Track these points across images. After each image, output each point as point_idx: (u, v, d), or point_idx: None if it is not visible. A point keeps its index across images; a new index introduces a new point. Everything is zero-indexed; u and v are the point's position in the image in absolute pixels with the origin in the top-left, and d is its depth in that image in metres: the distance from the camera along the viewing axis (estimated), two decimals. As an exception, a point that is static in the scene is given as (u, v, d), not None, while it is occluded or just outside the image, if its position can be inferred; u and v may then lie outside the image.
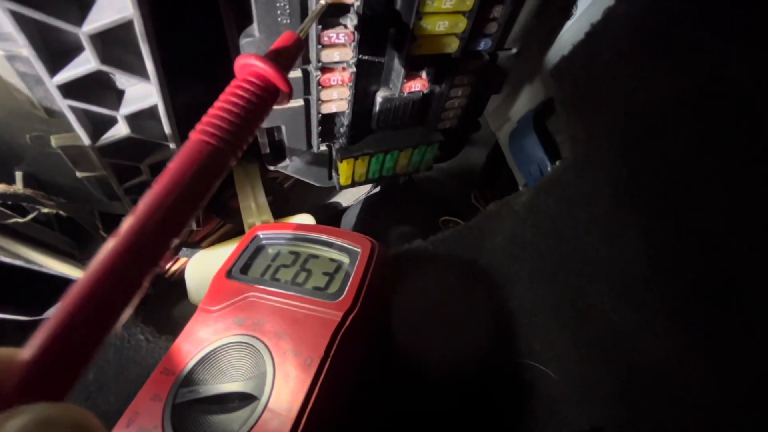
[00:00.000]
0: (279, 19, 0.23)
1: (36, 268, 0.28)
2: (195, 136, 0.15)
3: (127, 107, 0.23)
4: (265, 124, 0.30)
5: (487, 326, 0.29)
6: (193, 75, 0.26)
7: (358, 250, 0.27)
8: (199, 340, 0.23)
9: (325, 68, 0.26)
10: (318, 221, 0.41)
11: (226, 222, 0.42)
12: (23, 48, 0.19)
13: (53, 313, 0.11)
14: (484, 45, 0.29)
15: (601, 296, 0.25)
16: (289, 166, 0.34)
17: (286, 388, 0.20)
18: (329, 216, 0.50)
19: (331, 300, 0.24)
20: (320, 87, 0.27)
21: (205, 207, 0.39)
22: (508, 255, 0.31)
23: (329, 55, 0.25)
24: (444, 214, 0.45)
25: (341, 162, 0.32)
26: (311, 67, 0.26)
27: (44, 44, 0.19)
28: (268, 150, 0.32)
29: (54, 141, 0.24)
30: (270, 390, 0.20)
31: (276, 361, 0.21)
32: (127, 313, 0.12)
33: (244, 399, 0.21)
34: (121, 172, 0.27)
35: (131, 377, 0.29)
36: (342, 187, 0.35)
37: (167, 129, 0.25)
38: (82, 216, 0.30)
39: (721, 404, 0.20)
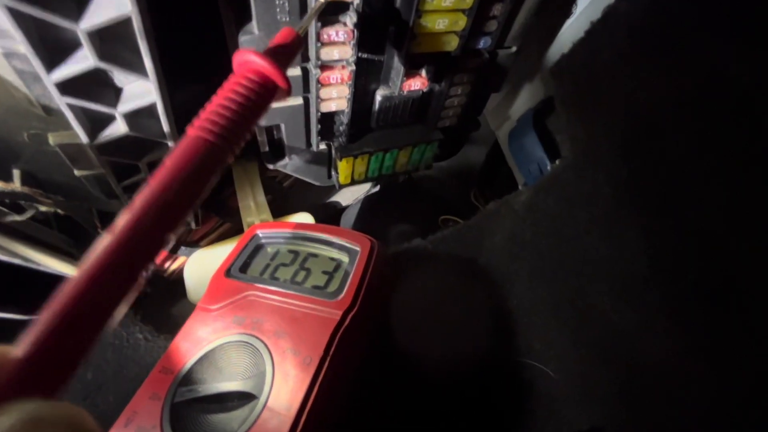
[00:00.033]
0: (278, 16, 0.23)
1: (34, 266, 0.28)
2: (192, 131, 0.14)
3: (126, 105, 0.23)
4: (264, 123, 0.29)
5: (487, 325, 0.29)
6: (191, 72, 0.26)
7: (358, 248, 0.27)
8: (198, 339, 0.23)
9: (324, 66, 0.26)
10: (317, 220, 0.41)
11: (225, 221, 0.42)
12: (20, 45, 0.19)
13: (47, 309, 0.11)
14: (483, 43, 0.29)
15: (600, 296, 0.25)
16: (289, 165, 0.34)
17: (286, 387, 0.20)
18: (328, 215, 0.49)
19: (330, 299, 0.24)
20: (320, 85, 0.27)
21: (204, 206, 0.39)
22: (507, 254, 0.31)
23: (329, 53, 0.25)
24: (443, 213, 0.45)
25: (341, 160, 0.32)
26: (310, 65, 0.26)
27: (42, 41, 0.19)
28: (267, 148, 0.32)
29: (52, 139, 0.24)
30: (269, 389, 0.20)
31: (275, 360, 0.21)
32: (123, 310, 0.12)
33: (243, 398, 0.21)
34: (119, 170, 0.27)
35: (130, 376, 0.29)
36: (341, 186, 0.35)
37: (166, 127, 0.25)
38: (81, 214, 0.30)
39: (721, 404, 0.20)
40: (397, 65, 0.27)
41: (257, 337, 0.23)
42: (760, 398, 0.19)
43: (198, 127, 0.14)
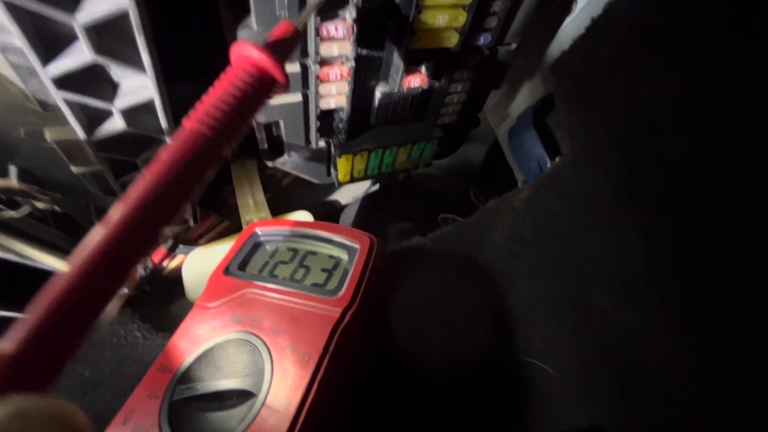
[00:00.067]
0: (277, 11, 0.22)
1: (30, 263, 0.27)
2: (188, 124, 0.14)
3: (123, 100, 0.23)
4: (263, 120, 0.29)
5: (486, 323, 0.29)
6: (189, 67, 0.25)
7: (357, 246, 0.27)
8: (197, 337, 0.23)
9: (323, 62, 0.26)
10: (316, 219, 0.41)
11: (223, 219, 0.41)
12: (16, 38, 0.18)
13: (37, 303, 0.10)
14: (483, 40, 0.29)
15: (600, 295, 0.25)
16: (288, 162, 0.34)
17: (284, 385, 0.20)
18: (327, 214, 0.49)
19: (329, 296, 0.24)
20: (319, 81, 0.27)
21: (203, 204, 0.38)
22: (507, 252, 0.31)
23: (328, 49, 0.25)
24: (443, 211, 0.45)
25: (340, 158, 0.32)
26: (310, 61, 0.26)
27: (37, 35, 0.19)
28: (266, 146, 0.32)
29: (48, 134, 0.24)
30: (268, 387, 0.20)
31: (274, 358, 0.21)
32: (115, 304, 0.12)
33: (242, 396, 0.20)
34: (116, 166, 0.27)
35: (128, 374, 0.29)
36: (340, 184, 0.35)
37: (164, 123, 0.25)
38: (78, 211, 0.30)
39: (721, 404, 0.20)
40: (397, 62, 0.27)
41: (256, 335, 0.22)
42: (760, 398, 0.19)
43: (195, 120, 0.14)
